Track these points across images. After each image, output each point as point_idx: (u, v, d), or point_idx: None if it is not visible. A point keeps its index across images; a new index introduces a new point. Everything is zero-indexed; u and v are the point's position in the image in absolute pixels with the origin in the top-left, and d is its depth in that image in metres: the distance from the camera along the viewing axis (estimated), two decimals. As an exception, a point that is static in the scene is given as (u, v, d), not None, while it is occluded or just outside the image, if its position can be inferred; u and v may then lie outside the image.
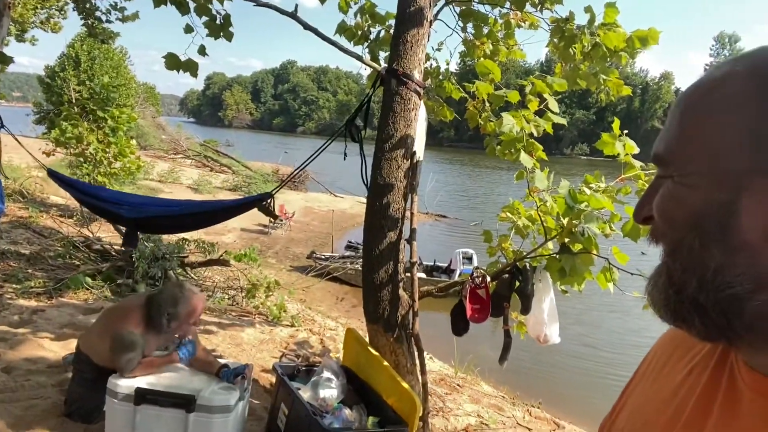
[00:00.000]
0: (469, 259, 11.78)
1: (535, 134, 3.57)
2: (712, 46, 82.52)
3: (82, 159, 10.15)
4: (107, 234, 8.56)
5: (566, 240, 3.24)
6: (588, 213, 3.11)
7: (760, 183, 0.46)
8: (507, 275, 3.47)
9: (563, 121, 3.68)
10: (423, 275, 11.14)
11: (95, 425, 3.13)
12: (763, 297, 0.47)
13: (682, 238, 0.51)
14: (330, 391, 3.09)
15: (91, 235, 8.01)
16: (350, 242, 13.48)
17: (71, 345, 3.98)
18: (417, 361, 3.46)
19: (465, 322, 3.47)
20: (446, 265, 12.22)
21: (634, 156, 3.41)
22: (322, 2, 4.77)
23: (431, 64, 4.61)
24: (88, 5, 8.18)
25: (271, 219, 4.48)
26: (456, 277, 10.77)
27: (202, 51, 4.38)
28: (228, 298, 7.09)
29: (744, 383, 0.53)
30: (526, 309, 3.41)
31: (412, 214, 3.42)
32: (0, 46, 5.35)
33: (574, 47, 3.98)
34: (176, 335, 3.12)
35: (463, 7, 4.31)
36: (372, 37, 4.61)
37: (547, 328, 3.39)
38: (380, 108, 3.49)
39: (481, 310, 3.46)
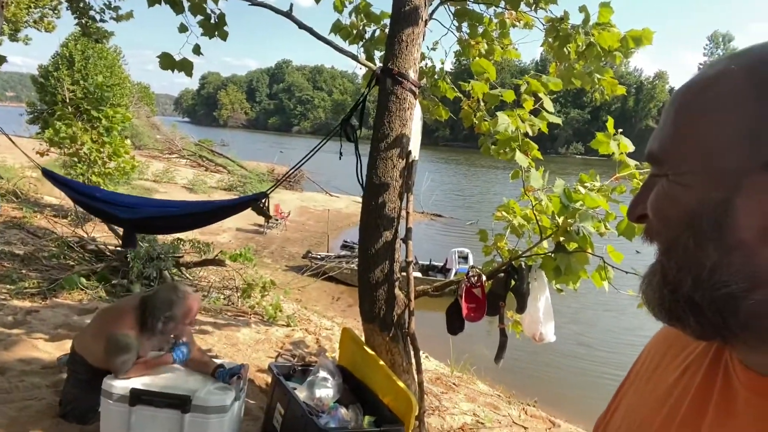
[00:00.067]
0: (465, 258, 11.80)
1: (530, 133, 3.58)
2: (706, 45, 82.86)
3: (76, 159, 10.12)
4: (102, 234, 8.53)
5: (561, 239, 3.25)
6: (583, 212, 3.12)
7: (756, 182, 0.46)
8: (502, 274, 3.47)
9: (558, 120, 3.69)
10: (419, 274, 11.15)
11: (90, 426, 3.11)
12: (758, 296, 0.47)
13: (677, 236, 0.51)
14: (326, 391, 3.09)
15: (85, 236, 7.98)
16: (346, 242, 13.49)
17: (66, 346, 3.97)
18: (413, 360, 3.47)
19: (461, 321, 3.48)
20: (442, 264, 12.24)
21: (629, 155, 3.42)
22: (317, 1, 4.75)
23: (426, 64, 4.61)
24: (81, 4, 8.14)
25: (266, 219, 4.47)
26: (452, 277, 10.77)
27: (196, 50, 4.36)
28: (223, 298, 7.08)
29: (739, 382, 0.53)
30: (521, 308, 3.42)
31: (407, 213, 3.43)
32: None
33: (569, 47, 3.98)
34: (171, 335, 3.11)
35: (458, 7, 4.31)
36: (367, 36, 4.61)
37: (543, 326, 3.40)
38: (376, 107, 3.49)
39: (476, 309, 3.47)
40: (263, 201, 4.11)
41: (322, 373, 3.21)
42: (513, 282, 3.41)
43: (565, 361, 8.29)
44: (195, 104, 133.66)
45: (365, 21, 4.55)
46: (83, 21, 8.37)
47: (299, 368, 3.54)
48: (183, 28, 4.30)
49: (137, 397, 2.80)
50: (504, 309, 3.49)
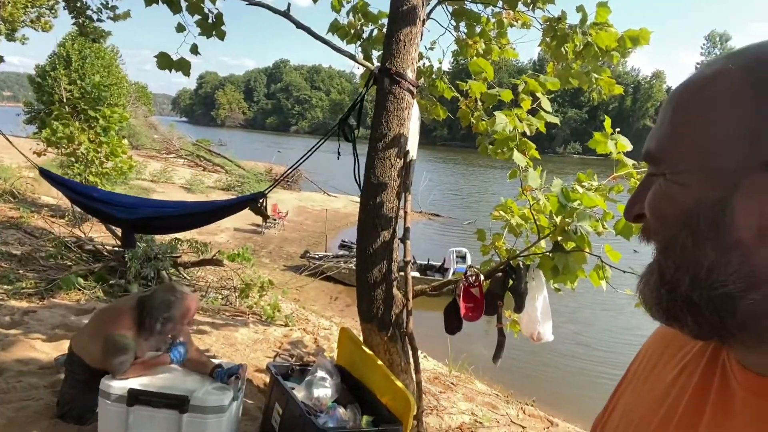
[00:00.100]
0: (463, 257, 11.81)
1: (528, 133, 3.58)
2: (704, 44, 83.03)
3: (73, 159, 10.09)
4: (99, 234, 8.51)
5: (559, 238, 3.25)
6: (580, 211, 3.12)
7: (756, 181, 0.46)
8: (500, 274, 3.48)
9: (556, 119, 3.69)
10: (417, 274, 11.15)
11: (88, 426, 3.11)
12: (756, 296, 0.47)
13: (674, 235, 0.51)
14: (324, 391, 3.09)
15: (83, 236, 7.97)
16: (344, 241, 13.48)
17: (63, 346, 3.96)
18: (411, 360, 3.47)
19: (459, 320, 3.48)
20: (440, 263, 12.24)
21: (627, 154, 3.43)
22: (314, 1, 4.75)
23: (424, 63, 4.61)
24: (78, 4, 8.12)
25: (264, 219, 4.47)
26: (450, 276, 10.78)
27: (194, 50, 4.35)
28: (221, 298, 7.07)
29: (737, 382, 0.53)
30: (519, 307, 3.42)
31: (405, 212, 3.43)
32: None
33: (566, 46, 3.99)
34: (169, 336, 3.11)
35: (456, 6, 4.31)
36: (365, 35, 4.61)
37: (541, 326, 3.40)
38: (373, 107, 3.49)
39: (474, 308, 3.47)
40: (261, 201, 4.10)
41: (321, 373, 3.21)
42: (511, 281, 3.42)
43: (563, 361, 8.30)
44: (192, 104, 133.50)
45: (363, 20, 4.54)
46: (80, 20, 8.34)
47: (297, 368, 3.53)
48: (180, 28, 4.29)
49: (135, 398, 2.80)
50: (502, 308, 3.49)
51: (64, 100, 11.40)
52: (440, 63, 4.76)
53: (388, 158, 3.34)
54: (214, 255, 7.54)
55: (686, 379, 0.59)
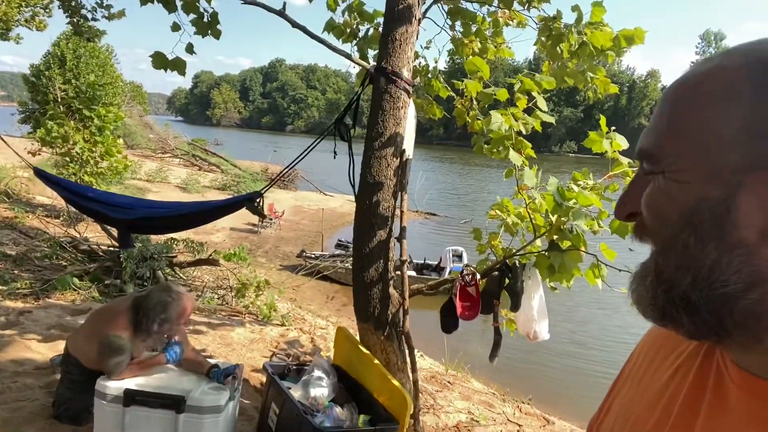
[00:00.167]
0: (459, 256, 11.82)
1: (524, 132, 3.58)
2: (698, 43, 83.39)
3: (68, 158, 10.05)
4: (94, 234, 8.49)
5: (555, 237, 3.26)
6: (576, 210, 3.13)
7: (759, 180, 0.45)
8: (497, 272, 3.48)
9: (551, 119, 3.70)
10: (413, 273, 11.17)
11: (84, 427, 3.10)
12: (756, 295, 0.46)
13: (675, 235, 0.50)
14: (321, 390, 3.09)
15: (78, 236, 7.93)
16: (340, 241, 13.48)
17: (59, 346, 3.95)
18: (407, 359, 3.47)
19: (455, 319, 3.48)
20: (436, 263, 12.26)
21: (622, 152, 3.44)
22: (310, 0, 4.75)
23: (420, 62, 4.61)
24: (73, 3, 8.08)
25: (260, 218, 4.46)
26: (446, 275, 10.79)
27: (189, 49, 4.34)
28: (218, 298, 7.06)
29: (732, 382, 0.53)
30: (515, 306, 3.43)
31: (401, 212, 3.43)
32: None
33: (562, 45, 3.99)
34: (165, 336, 3.10)
35: (452, 6, 4.31)
36: (360, 35, 4.61)
37: (537, 324, 3.41)
38: (369, 106, 3.49)
39: (471, 307, 3.47)
40: (257, 200, 4.10)
41: (317, 373, 3.21)
42: (507, 280, 3.42)
43: (559, 359, 8.32)
44: (188, 103, 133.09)
45: (358, 20, 4.54)
46: (75, 19, 8.31)
47: (294, 368, 3.53)
48: (176, 27, 4.28)
49: (131, 398, 2.79)
50: (498, 307, 3.49)
51: (59, 100, 11.37)
52: (436, 62, 4.77)
53: (384, 157, 3.34)
54: (210, 255, 7.52)
55: (681, 380, 0.59)
